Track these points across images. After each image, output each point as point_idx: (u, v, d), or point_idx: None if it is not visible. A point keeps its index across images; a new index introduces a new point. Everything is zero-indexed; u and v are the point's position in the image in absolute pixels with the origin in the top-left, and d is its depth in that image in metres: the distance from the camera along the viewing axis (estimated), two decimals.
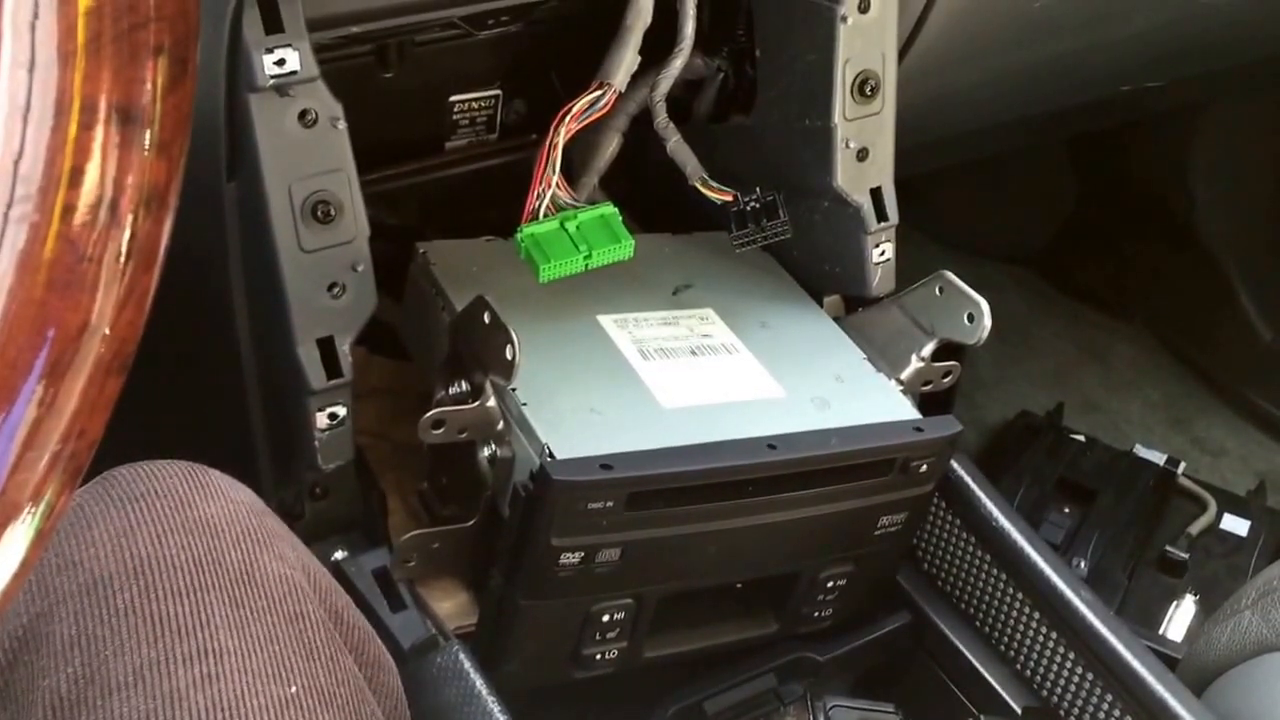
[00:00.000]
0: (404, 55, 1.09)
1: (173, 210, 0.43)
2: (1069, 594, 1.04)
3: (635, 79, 1.07)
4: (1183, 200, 1.87)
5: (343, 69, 1.03)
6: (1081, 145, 1.93)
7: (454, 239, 1.11)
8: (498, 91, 1.19)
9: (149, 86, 0.42)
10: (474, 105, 1.19)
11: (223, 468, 0.78)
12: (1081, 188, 1.99)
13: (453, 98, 1.17)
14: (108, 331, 0.42)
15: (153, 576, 0.65)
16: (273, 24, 0.85)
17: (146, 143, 0.42)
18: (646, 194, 1.23)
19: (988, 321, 1.00)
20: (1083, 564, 1.55)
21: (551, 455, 0.90)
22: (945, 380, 1.07)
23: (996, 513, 1.07)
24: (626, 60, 1.03)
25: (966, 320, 1.01)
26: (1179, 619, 1.53)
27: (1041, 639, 1.06)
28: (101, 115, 0.41)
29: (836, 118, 1.03)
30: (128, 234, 0.42)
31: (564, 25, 1.15)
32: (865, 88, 1.03)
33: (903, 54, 1.13)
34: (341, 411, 0.95)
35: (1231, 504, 1.66)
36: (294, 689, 0.65)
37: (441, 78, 1.15)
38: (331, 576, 0.75)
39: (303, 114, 0.88)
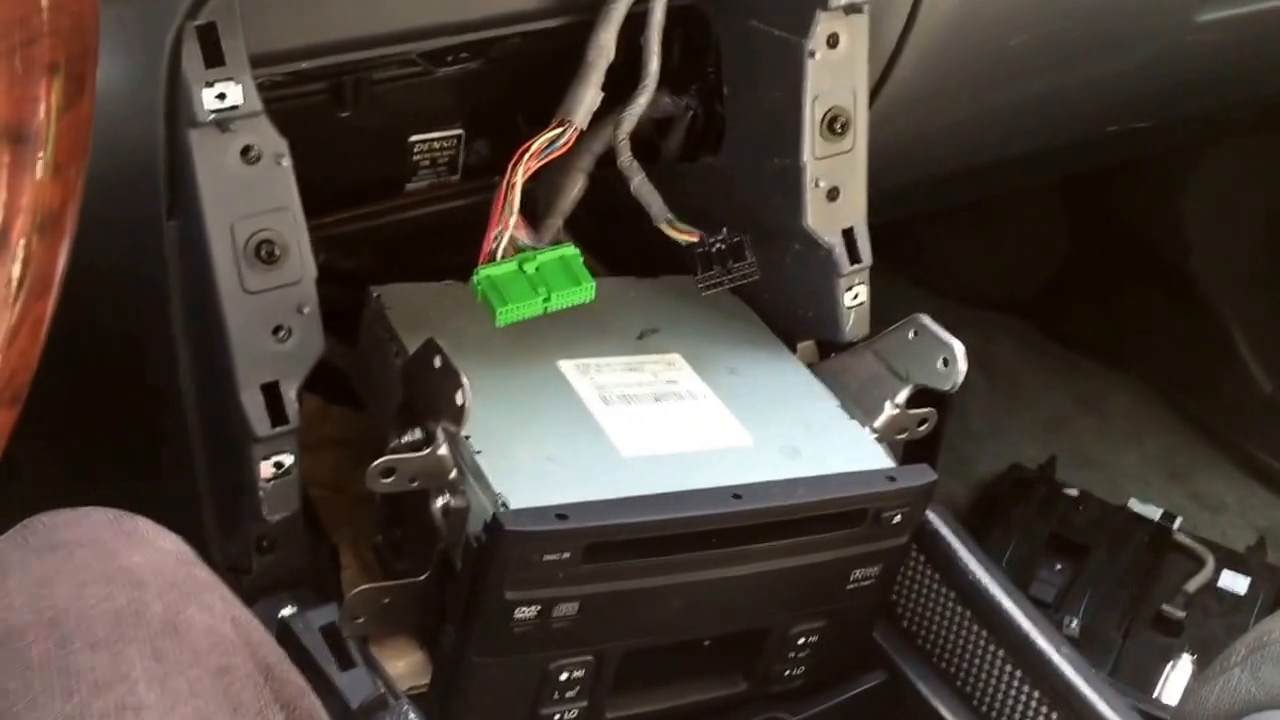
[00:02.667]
0: (360, 94, 1.09)
1: (69, 235, 0.43)
2: (1052, 653, 1.03)
3: (601, 117, 1.07)
4: (1178, 245, 1.87)
5: (296, 108, 1.03)
6: (1073, 188, 1.93)
7: (412, 282, 1.11)
8: (459, 131, 1.19)
9: (43, 105, 0.41)
10: (435, 145, 1.19)
11: (166, 519, 0.77)
12: (1073, 232, 1.99)
13: (413, 138, 1.17)
14: None
15: (70, 628, 0.64)
16: (213, 57, 0.85)
17: (40, 165, 0.41)
18: (614, 236, 1.22)
19: (963, 366, 0.99)
20: (1075, 622, 1.54)
21: (505, 504, 0.90)
22: (921, 429, 1.06)
23: (976, 567, 1.06)
24: (588, 98, 1.03)
25: (941, 365, 1.01)
26: (1175, 680, 1.52)
27: (1024, 700, 1.05)
28: None
29: (806, 156, 1.03)
30: (19, 260, 0.41)
31: (527, 63, 1.14)
32: (835, 125, 1.03)
33: (876, 92, 1.13)
34: (288, 460, 0.94)
35: (1230, 560, 1.64)
36: None
37: (400, 117, 1.15)
38: (264, 629, 0.74)
39: (245, 150, 0.88)
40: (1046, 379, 1.97)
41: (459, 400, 0.89)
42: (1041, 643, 1.03)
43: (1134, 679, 1.52)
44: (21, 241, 0.41)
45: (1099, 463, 1.85)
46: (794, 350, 1.13)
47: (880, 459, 1.02)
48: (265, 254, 0.90)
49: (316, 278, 0.94)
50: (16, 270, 0.41)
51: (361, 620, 0.97)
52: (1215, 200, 1.85)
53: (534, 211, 1.12)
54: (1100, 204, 1.94)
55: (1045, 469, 1.76)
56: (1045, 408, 1.94)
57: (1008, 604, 1.04)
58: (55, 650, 0.63)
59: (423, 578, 0.97)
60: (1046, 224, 2.00)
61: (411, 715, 0.92)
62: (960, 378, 1.00)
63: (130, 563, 0.68)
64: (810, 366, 1.11)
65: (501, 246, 1.00)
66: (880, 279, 1.10)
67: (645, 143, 1.15)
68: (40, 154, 0.41)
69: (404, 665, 1.01)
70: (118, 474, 1.08)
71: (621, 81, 1.06)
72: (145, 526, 0.71)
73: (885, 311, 1.10)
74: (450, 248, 1.17)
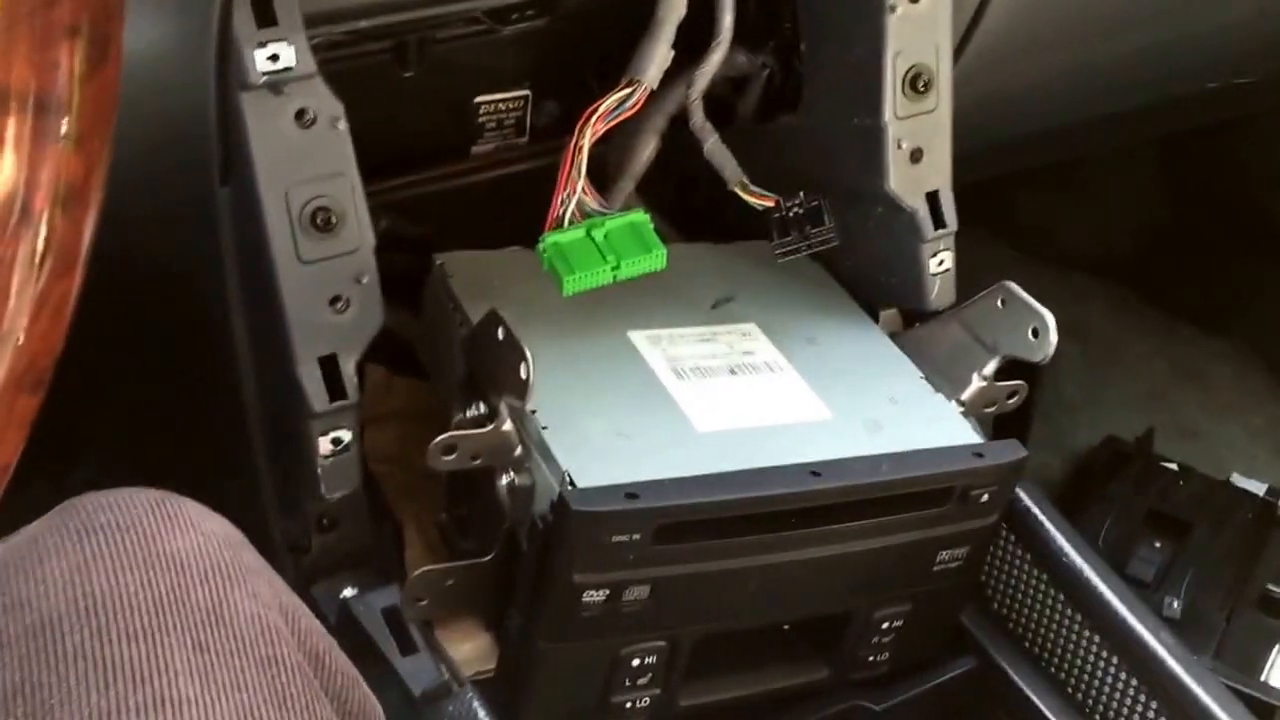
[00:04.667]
0: (424, 53, 1.08)
1: (94, 209, 0.41)
2: (1149, 639, 1.01)
3: (673, 76, 1.05)
4: None
5: (358, 68, 1.02)
6: (1173, 147, 1.89)
7: (478, 250, 1.09)
8: (527, 92, 1.17)
9: (64, 72, 0.40)
10: (501, 107, 1.17)
11: (224, 498, 0.76)
12: (1173, 192, 1.94)
13: (478, 99, 1.16)
14: (20, 340, 0.40)
15: (107, 617, 0.63)
16: (265, 16, 0.84)
17: (62, 134, 0.40)
18: (688, 201, 1.21)
19: (1054, 337, 0.96)
20: (1175, 603, 1.51)
21: (572, 483, 0.88)
22: (1010, 402, 1.03)
23: (1069, 548, 1.03)
24: (658, 55, 1.01)
25: (1031, 335, 0.98)
26: None
27: (1121, 687, 1.02)
28: (10, 104, 0.39)
29: (887, 116, 1.00)
30: (42, 235, 0.40)
31: (596, 20, 1.13)
32: (918, 83, 1.00)
33: (960, 48, 1.10)
34: (347, 436, 0.93)
35: None
36: None
37: (465, 77, 1.13)
38: (312, 617, 0.73)
39: (300, 114, 0.87)
40: (1144, 346, 1.93)
41: (523, 374, 0.88)
42: (1139, 627, 1.00)
43: (1239, 661, 1.48)
44: (44, 216, 0.40)
45: (1201, 435, 1.81)
46: (876, 319, 1.10)
47: (967, 434, 0.99)
48: (321, 221, 0.89)
49: (378, 245, 0.92)
50: (39, 246, 0.40)
51: (425, 603, 0.95)
52: None
53: (604, 175, 1.11)
54: (1202, 163, 1.89)
55: (1143, 442, 1.72)
56: (1143, 377, 1.90)
57: (1102, 587, 1.01)
58: (91, 641, 0.62)
59: (488, 559, 0.95)
60: (1145, 183, 1.95)
61: (476, 704, 0.91)
62: (1051, 349, 0.97)
63: (173, 547, 0.67)
64: (893, 336, 1.08)
65: (569, 212, 0.99)
66: (967, 239, 1.08)
67: (720, 103, 1.13)
68: (63, 123, 0.40)
69: (470, 649, 1.00)
70: (176, 453, 1.08)
71: (695, 39, 1.03)
72: (190, 509, 0.70)
73: (973, 274, 1.07)
74: (519, 212, 1.16)
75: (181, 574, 0.67)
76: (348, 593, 0.99)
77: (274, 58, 0.84)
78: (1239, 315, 1.93)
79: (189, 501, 0.70)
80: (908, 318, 1.10)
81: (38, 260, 0.40)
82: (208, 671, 0.63)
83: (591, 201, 1.00)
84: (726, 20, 1.02)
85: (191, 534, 0.69)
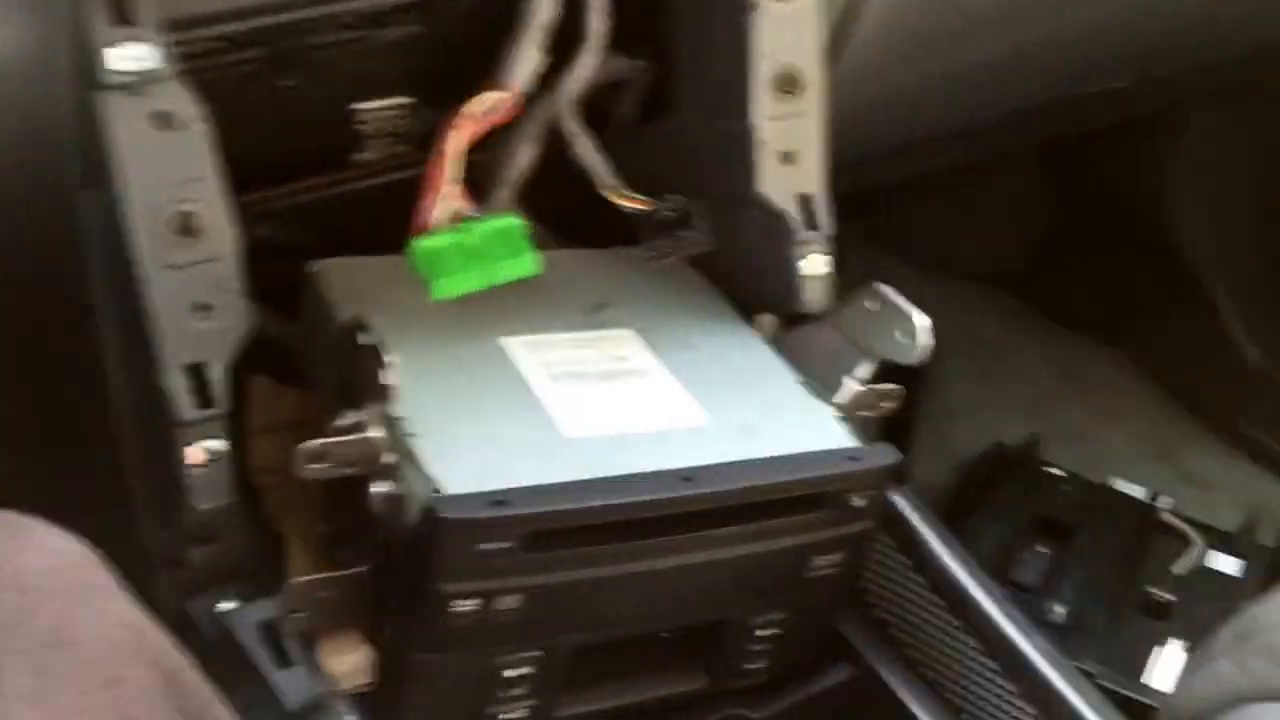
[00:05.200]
0: (300, 60, 1.06)
1: None
2: (1024, 643, 1.01)
3: (550, 82, 1.04)
4: (1164, 216, 1.84)
5: (235, 76, 1.01)
6: (1055, 156, 1.91)
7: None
8: (408, 99, 1.16)
9: None
10: (383, 114, 1.16)
11: (97, 512, 0.74)
12: (1058, 202, 1.96)
13: (359, 106, 1.14)
14: None
15: None
16: (121, 16, 0.82)
17: None
18: (571, 209, 1.20)
19: (924, 339, 0.96)
20: (1060, 608, 1.52)
21: (440, 490, 0.87)
22: (886, 405, 1.03)
23: (945, 553, 1.04)
24: (526, 59, 1.01)
25: (904, 338, 0.98)
26: (1164, 665, 1.49)
27: (998, 692, 1.02)
28: None
29: (756, 118, 1.00)
30: None
31: (476, 26, 1.11)
32: (788, 84, 1.00)
33: (838, 51, 1.10)
34: (218, 446, 0.91)
35: (1220, 541, 1.62)
36: None
37: (344, 85, 1.12)
38: (164, 636, 0.71)
39: (160, 116, 0.85)
40: (1030, 354, 1.95)
41: (386, 379, 0.86)
42: (1014, 632, 1.00)
43: (1122, 663, 1.49)
44: None
45: (1085, 441, 1.83)
46: (753, 324, 1.10)
47: (842, 438, 0.99)
48: (184, 227, 0.87)
49: (258, 253, 0.91)
50: None
51: (301, 615, 0.94)
52: (1200, 168, 1.82)
53: (482, 183, 1.10)
54: (1085, 172, 1.91)
55: (1029, 448, 1.73)
56: (1029, 384, 1.91)
57: (978, 592, 1.01)
58: None
59: (364, 569, 0.94)
60: (1029, 193, 1.97)
61: (349, 717, 0.90)
62: (923, 351, 0.97)
63: (16, 567, 0.65)
64: (770, 341, 1.08)
65: (440, 216, 0.98)
66: (855, 251, 1.07)
67: (599, 108, 1.12)
68: None
69: (351, 662, 0.98)
70: (46, 467, 1.05)
71: (574, 46, 1.03)
72: (39, 528, 0.68)
73: (858, 286, 1.07)
74: (399, 221, 1.15)
75: (25, 595, 0.65)
76: (224, 607, 0.97)
77: (130, 57, 0.83)
78: (1121, 322, 1.96)
79: (38, 521, 0.69)
80: (785, 323, 1.10)
81: None
82: (47, 695, 0.61)
83: (464, 206, 0.99)
84: (596, 24, 1.01)
85: (38, 553, 0.67)
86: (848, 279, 1.07)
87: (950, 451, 1.78)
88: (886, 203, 1.73)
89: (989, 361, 1.92)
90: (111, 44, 0.82)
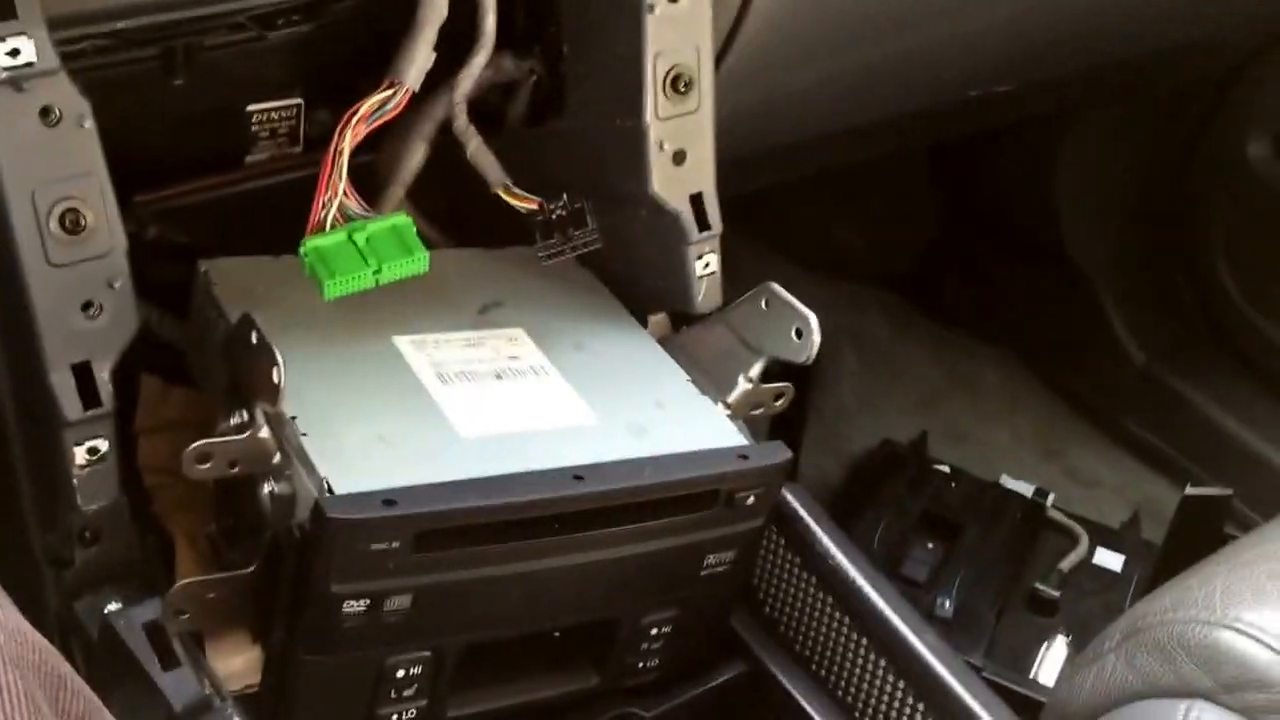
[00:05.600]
0: (192, 60, 1.05)
1: None
2: (914, 640, 1.02)
3: (441, 84, 1.04)
4: (1048, 217, 1.87)
5: (126, 75, 0.99)
6: (942, 160, 1.93)
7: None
8: (299, 101, 1.15)
9: None
10: (274, 115, 1.15)
11: None
12: (944, 204, 1.98)
13: (250, 107, 1.13)
14: None
15: None
16: (3, 9, 0.80)
17: None
18: (463, 209, 1.19)
19: (816, 337, 0.97)
20: (948, 603, 1.53)
21: (330, 490, 0.86)
22: (777, 404, 1.03)
23: (835, 550, 1.04)
24: (419, 57, 1.00)
25: (794, 336, 0.98)
26: (1050, 661, 1.51)
27: (888, 689, 1.03)
28: None
29: (649, 117, 1.00)
30: None
31: (366, 27, 1.11)
32: (679, 84, 1.00)
33: (724, 51, 1.10)
34: (103, 446, 0.90)
35: (1105, 537, 1.64)
36: None
37: (236, 85, 1.11)
38: (45, 641, 0.69)
39: (44, 111, 0.84)
40: (919, 354, 1.97)
41: (274, 378, 0.86)
42: (904, 629, 1.01)
43: (1009, 659, 1.51)
44: None
45: (972, 439, 1.85)
46: (645, 324, 1.10)
47: (733, 437, 0.99)
48: (70, 224, 0.86)
49: (149, 253, 0.91)
50: None
51: (187, 616, 0.92)
52: (1083, 171, 1.85)
53: (373, 183, 1.09)
54: (970, 175, 1.94)
55: (917, 445, 1.74)
56: (918, 383, 1.93)
57: (868, 588, 1.02)
58: None
59: (250, 570, 0.93)
60: (916, 195, 1.99)
61: (235, 718, 0.88)
62: (814, 350, 0.97)
63: None
64: (662, 341, 1.08)
65: (330, 215, 0.97)
66: (745, 252, 1.08)
67: (491, 110, 1.12)
68: None
69: (240, 664, 0.97)
70: None
71: (463, 45, 1.03)
72: None
73: (750, 286, 1.07)
74: (292, 222, 1.14)
75: None
76: (110, 608, 0.95)
77: (14, 52, 0.82)
78: (1007, 323, 1.98)
79: None
80: (676, 322, 1.10)
81: None
82: None
83: (354, 205, 0.99)
84: (488, 24, 1.01)
85: None
86: (737, 280, 1.08)
87: (840, 449, 1.79)
88: (775, 204, 1.74)
89: (878, 361, 1.93)
90: None
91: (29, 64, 0.82)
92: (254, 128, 1.14)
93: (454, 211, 1.20)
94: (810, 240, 1.97)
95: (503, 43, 1.04)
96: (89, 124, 0.85)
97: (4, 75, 0.81)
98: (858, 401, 1.87)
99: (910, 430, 1.78)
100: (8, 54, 0.81)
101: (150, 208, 1.09)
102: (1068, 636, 1.53)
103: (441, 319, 1.05)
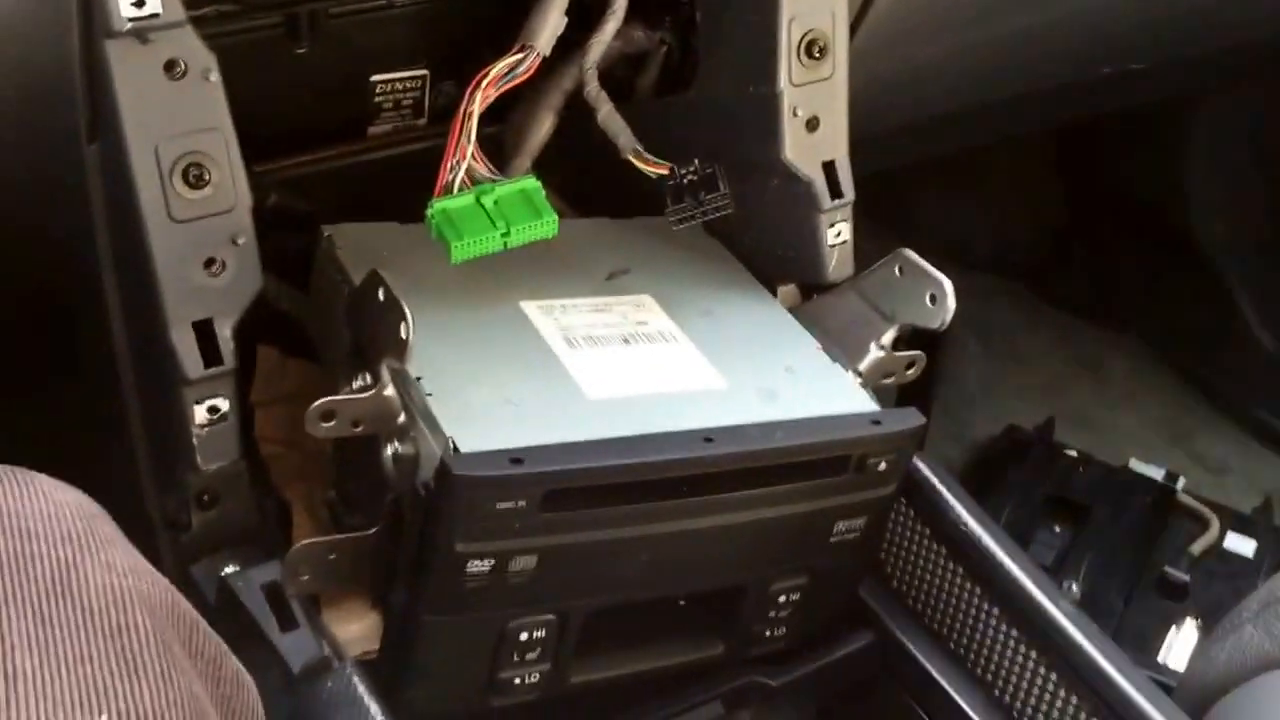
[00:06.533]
0: (317, 28, 1.01)
1: None
2: (1052, 610, 0.94)
3: (570, 53, 0.99)
4: (1177, 203, 1.79)
5: (250, 42, 0.96)
6: (1069, 147, 1.86)
7: None
8: (424, 71, 1.11)
9: None
10: (398, 86, 1.11)
11: (100, 473, 0.69)
12: (1069, 191, 1.91)
13: (375, 78, 1.09)
14: None
15: None
16: None
17: None
18: (589, 181, 1.14)
19: (951, 303, 0.91)
20: (1075, 586, 1.46)
21: (456, 449, 0.81)
22: (909, 372, 0.97)
23: (968, 519, 0.97)
24: (551, 21, 0.95)
25: (929, 302, 0.92)
26: (1180, 645, 1.44)
27: (1021, 660, 0.96)
28: None
29: (782, 83, 0.95)
30: None
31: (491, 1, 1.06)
32: (813, 49, 0.95)
33: (857, 23, 1.04)
34: (223, 405, 0.85)
35: (1236, 522, 1.57)
36: (104, 717, 0.56)
37: (361, 55, 1.07)
38: (175, 591, 0.65)
39: (169, 64, 0.80)
40: (1043, 341, 1.90)
41: (402, 333, 0.80)
42: (1040, 599, 0.94)
43: (1137, 643, 1.44)
44: None
45: (1098, 425, 1.77)
46: (775, 295, 1.04)
47: (865, 403, 0.93)
48: (194, 178, 0.81)
49: (268, 222, 0.86)
50: None
51: (306, 578, 0.87)
52: (1212, 157, 1.78)
53: (501, 152, 1.04)
54: (1096, 161, 1.86)
55: (1042, 430, 1.67)
56: (1042, 370, 1.86)
57: (1003, 558, 0.95)
58: None
59: (372, 531, 0.88)
60: (1041, 183, 1.92)
61: (355, 679, 0.83)
62: (949, 315, 0.91)
63: (19, 514, 0.60)
64: (791, 311, 1.02)
65: (458, 178, 0.92)
66: (869, 237, 1.02)
67: (620, 81, 1.07)
68: None
69: (358, 628, 0.92)
70: (48, 424, 1.00)
71: (593, 16, 0.97)
72: (42, 480, 0.63)
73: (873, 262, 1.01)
74: (415, 194, 1.10)
75: (27, 542, 0.60)
76: (228, 570, 0.90)
77: (139, 3, 0.77)
78: (1134, 309, 1.91)
79: (40, 475, 0.63)
80: (806, 293, 1.04)
81: None
82: (49, 644, 0.57)
83: (482, 169, 0.94)
84: None
85: (41, 502, 0.62)
86: (861, 260, 1.01)
87: (964, 436, 1.73)
88: (899, 189, 1.67)
89: (1002, 348, 1.87)
90: None
91: (154, 14, 0.78)
92: (378, 98, 1.09)
93: (579, 186, 1.15)
94: (934, 226, 1.91)
95: (634, 14, 0.99)
96: (214, 77, 0.81)
97: (129, 26, 0.77)
98: (982, 388, 1.80)
99: (1035, 417, 1.71)
100: (134, 4, 0.77)
101: (270, 177, 1.04)
102: (1197, 620, 1.46)
103: (569, 284, 0.99)
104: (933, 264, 0.93)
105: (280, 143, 1.07)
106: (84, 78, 0.80)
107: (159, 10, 0.77)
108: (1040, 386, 1.83)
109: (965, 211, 1.95)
